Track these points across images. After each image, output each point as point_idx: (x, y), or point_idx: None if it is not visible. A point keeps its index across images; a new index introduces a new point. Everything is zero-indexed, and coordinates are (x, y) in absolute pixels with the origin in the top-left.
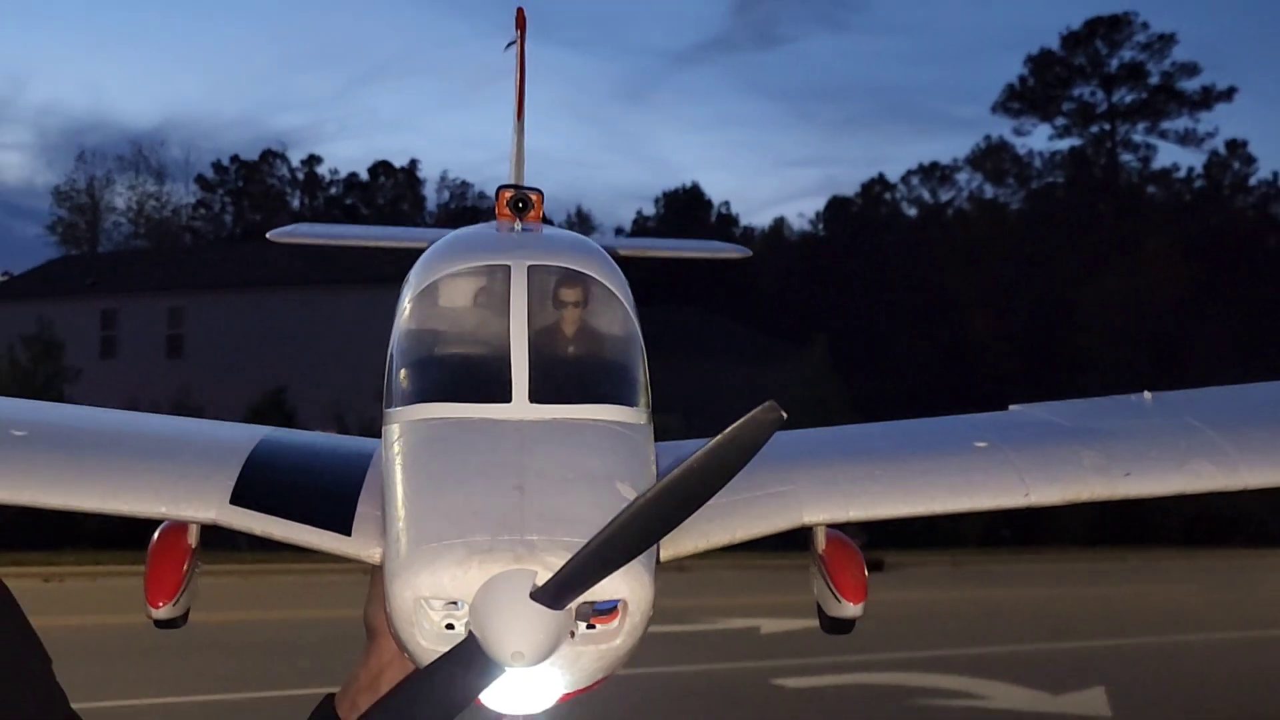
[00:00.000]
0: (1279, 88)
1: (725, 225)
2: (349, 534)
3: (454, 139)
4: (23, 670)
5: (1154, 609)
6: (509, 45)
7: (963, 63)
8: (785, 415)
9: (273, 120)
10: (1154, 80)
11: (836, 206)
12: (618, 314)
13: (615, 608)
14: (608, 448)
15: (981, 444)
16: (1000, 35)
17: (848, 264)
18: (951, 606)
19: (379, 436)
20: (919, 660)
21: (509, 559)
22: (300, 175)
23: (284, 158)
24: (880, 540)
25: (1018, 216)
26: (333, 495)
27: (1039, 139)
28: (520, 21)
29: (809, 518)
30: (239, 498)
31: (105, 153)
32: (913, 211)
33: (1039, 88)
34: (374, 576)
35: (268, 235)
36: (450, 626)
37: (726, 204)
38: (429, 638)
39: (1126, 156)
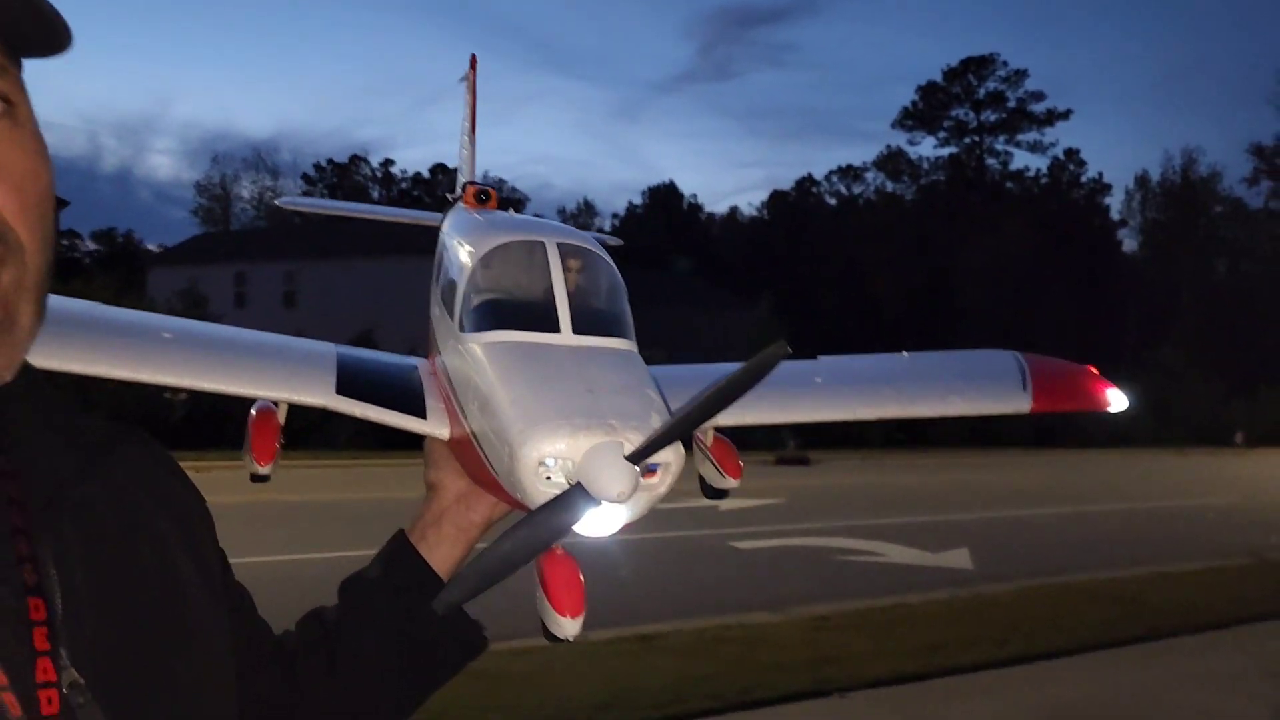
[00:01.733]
0: (1103, 110)
1: (694, 212)
2: (425, 418)
3: (493, 147)
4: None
5: (1006, 491)
6: (461, 79)
7: (870, 91)
8: (790, 350)
9: (358, 132)
10: (1011, 104)
11: (777, 198)
12: (611, 276)
13: (658, 469)
14: (629, 366)
15: (819, 378)
16: (897, 70)
17: (785, 241)
18: (860, 490)
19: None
20: (836, 528)
21: (602, 434)
22: (379, 174)
23: (366, 160)
24: (810, 443)
25: (910, 206)
26: (406, 391)
27: (926, 148)
28: (473, 64)
29: (718, 421)
30: (342, 389)
31: (233, 156)
32: (833, 201)
33: (926, 109)
34: (430, 450)
35: (277, 202)
36: (551, 478)
37: (695, 195)
38: (540, 485)
39: (990, 161)
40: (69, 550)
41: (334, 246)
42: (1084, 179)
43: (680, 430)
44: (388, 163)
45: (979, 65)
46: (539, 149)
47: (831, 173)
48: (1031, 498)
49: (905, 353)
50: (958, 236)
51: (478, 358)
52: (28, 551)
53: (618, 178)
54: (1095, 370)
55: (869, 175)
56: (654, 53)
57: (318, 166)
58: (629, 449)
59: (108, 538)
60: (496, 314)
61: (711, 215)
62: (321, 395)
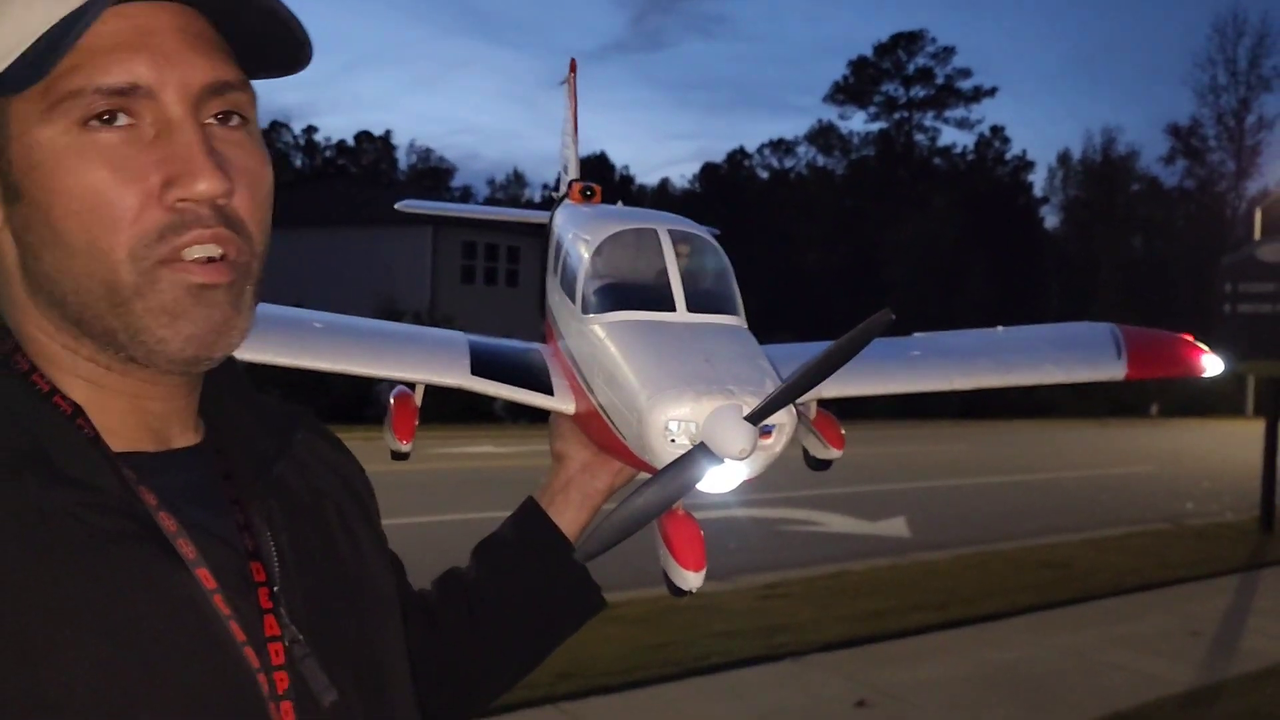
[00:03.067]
0: (1028, 88)
1: (625, 184)
2: (551, 394)
3: (419, 114)
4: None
5: (938, 462)
6: (561, 82)
7: (802, 64)
8: (894, 317)
9: (278, 96)
10: (940, 81)
11: (709, 171)
12: (718, 259)
13: (773, 430)
14: (741, 339)
15: (916, 351)
16: (828, 45)
17: (717, 214)
18: (798, 461)
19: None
20: (777, 499)
21: (722, 398)
22: (301, 141)
23: (288, 127)
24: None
25: (841, 180)
26: (532, 371)
27: (857, 123)
28: (573, 67)
29: (820, 393)
30: (476, 371)
31: None
32: (765, 175)
33: (857, 84)
34: (557, 423)
35: (396, 206)
36: (675, 440)
37: (626, 167)
38: (667, 447)
39: (919, 137)
40: (274, 520)
41: None
42: (1008, 156)
43: (792, 393)
44: (310, 130)
45: (908, 41)
46: (467, 118)
47: (763, 146)
48: (963, 468)
49: (1000, 327)
50: (887, 212)
51: (600, 336)
52: (244, 520)
53: (547, 148)
54: (1191, 338)
55: (800, 149)
56: (585, 21)
57: None
58: (747, 411)
59: (302, 510)
60: (616, 296)
61: (644, 187)
62: (459, 376)
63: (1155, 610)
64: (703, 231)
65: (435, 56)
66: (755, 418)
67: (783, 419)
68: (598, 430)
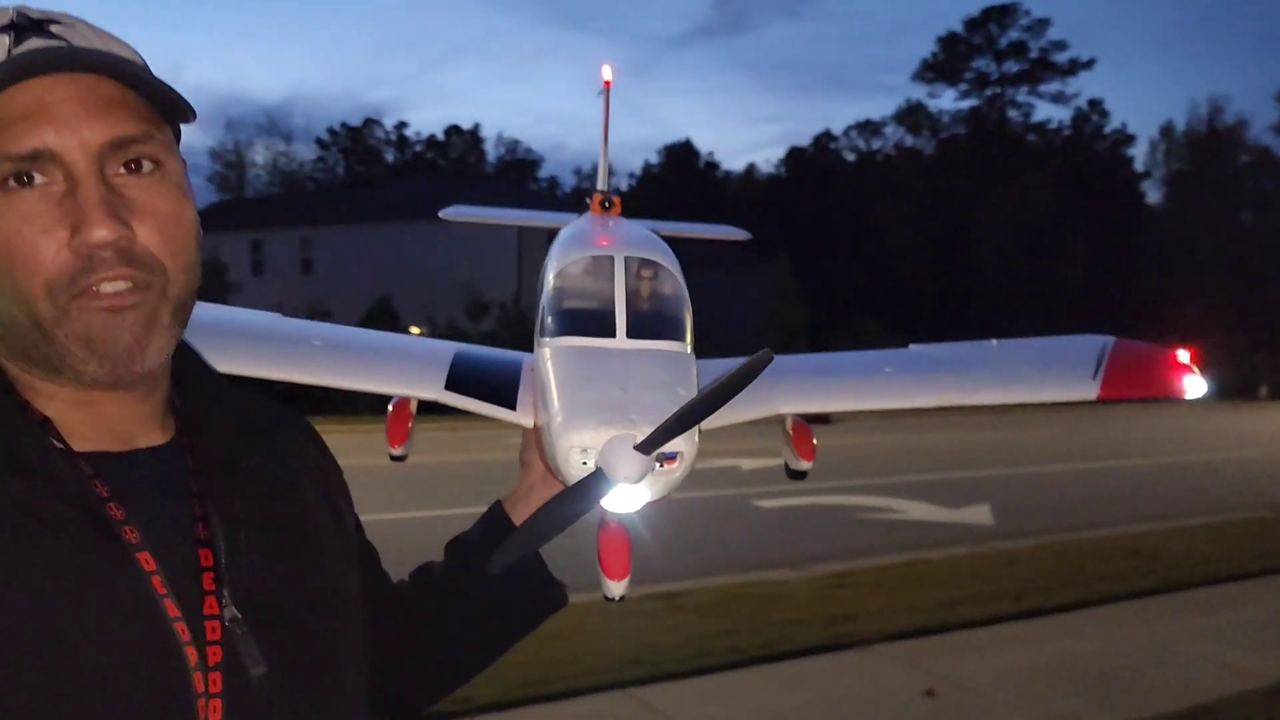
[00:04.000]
0: (1128, 58)
1: (710, 170)
2: (514, 409)
3: (507, 107)
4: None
5: (1028, 448)
6: (599, 93)
7: (890, 43)
8: (774, 357)
9: (370, 93)
10: (1034, 55)
11: (794, 154)
12: (674, 285)
13: (676, 456)
14: (669, 366)
15: (889, 368)
16: (917, 21)
17: (803, 198)
18: (881, 448)
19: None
20: (857, 486)
21: (621, 427)
22: (392, 136)
23: (380, 123)
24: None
25: (930, 160)
26: (503, 385)
27: (947, 101)
28: (607, 82)
29: (784, 409)
30: (450, 385)
31: (247, 122)
32: (851, 157)
33: (947, 61)
34: (525, 433)
35: (440, 214)
36: (585, 464)
37: (711, 153)
38: (576, 470)
39: (1012, 113)
40: (235, 511)
41: (349, 212)
42: (1107, 130)
43: (679, 426)
44: (401, 125)
45: (1001, 14)
46: (553, 107)
47: (850, 128)
48: (1053, 454)
49: (995, 341)
50: (977, 191)
51: (547, 358)
52: (201, 512)
53: (633, 136)
54: (1187, 354)
55: (888, 130)
56: (669, 5)
57: (331, 131)
58: (638, 440)
59: (266, 502)
60: (565, 321)
61: (729, 173)
62: (434, 391)
63: (1246, 601)
64: (664, 258)
65: (521, 47)
66: (645, 447)
67: (682, 447)
68: (540, 445)
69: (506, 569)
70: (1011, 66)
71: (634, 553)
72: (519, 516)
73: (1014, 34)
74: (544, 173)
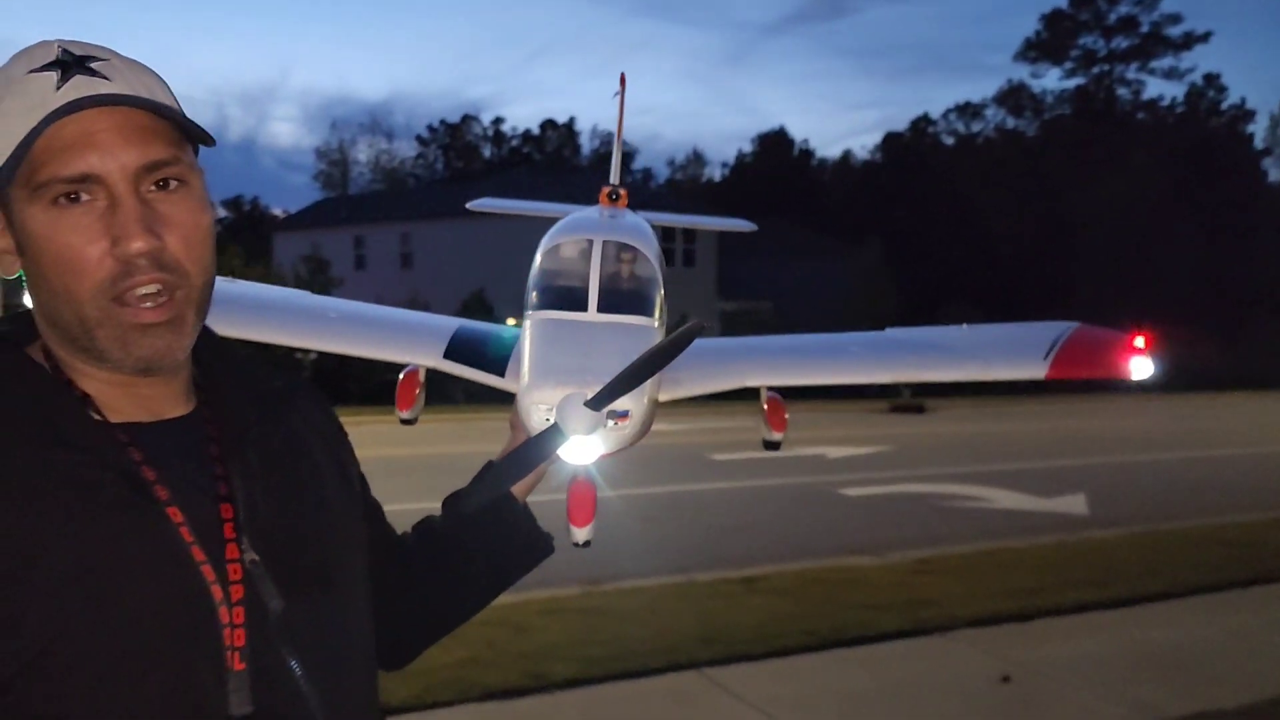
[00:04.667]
0: (1247, 29)
1: (805, 158)
2: (503, 375)
3: (601, 100)
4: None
5: (1126, 436)
6: (615, 94)
7: (989, 21)
8: (706, 326)
9: (468, 90)
10: (1145, 29)
11: (891, 140)
12: (648, 268)
13: (626, 414)
14: (633, 337)
15: (854, 348)
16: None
17: (899, 184)
18: (973, 437)
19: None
20: (946, 475)
21: (576, 386)
22: (490, 132)
23: (477, 119)
24: (921, 390)
25: (1033, 141)
26: (495, 356)
27: (1051, 80)
28: (622, 81)
29: (751, 383)
30: (448, 355)
31: (350, 121)
32: (950, 141)
33: (1051, 39)
34: (516, 399)
35: (467, 205)
36: (547, 419)
37: (806, 141)
38: (538, 423)
39: (1121, 91)
40: (251, 470)
41: (448, 208)
42: (1224, 106)
43: (622, 386)
44: (498, 121)
45: None
46: (647, 99)
47: (949, 111)
48: (1153, 443)
49: (965, 325)
50: (1083, 173)
51: (528, 329)
52: (221, 472)
53: (727, 125)
54: (1142, 338)
55: (989, 112)
56: None
57: (430, 128)
58: (588, 397)
59: (278, 461)
60: (546, 296)
61: (823, 160)
62: (433, 359)
63: None
64: (641, 241)
65: (614, 40)
66: (594, 404)
67: (629, 406)
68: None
69: (480, 509)
70: (1121, 42)
71: (710, 537)
72: None
73: (1123, 8)
74: (638, 164)
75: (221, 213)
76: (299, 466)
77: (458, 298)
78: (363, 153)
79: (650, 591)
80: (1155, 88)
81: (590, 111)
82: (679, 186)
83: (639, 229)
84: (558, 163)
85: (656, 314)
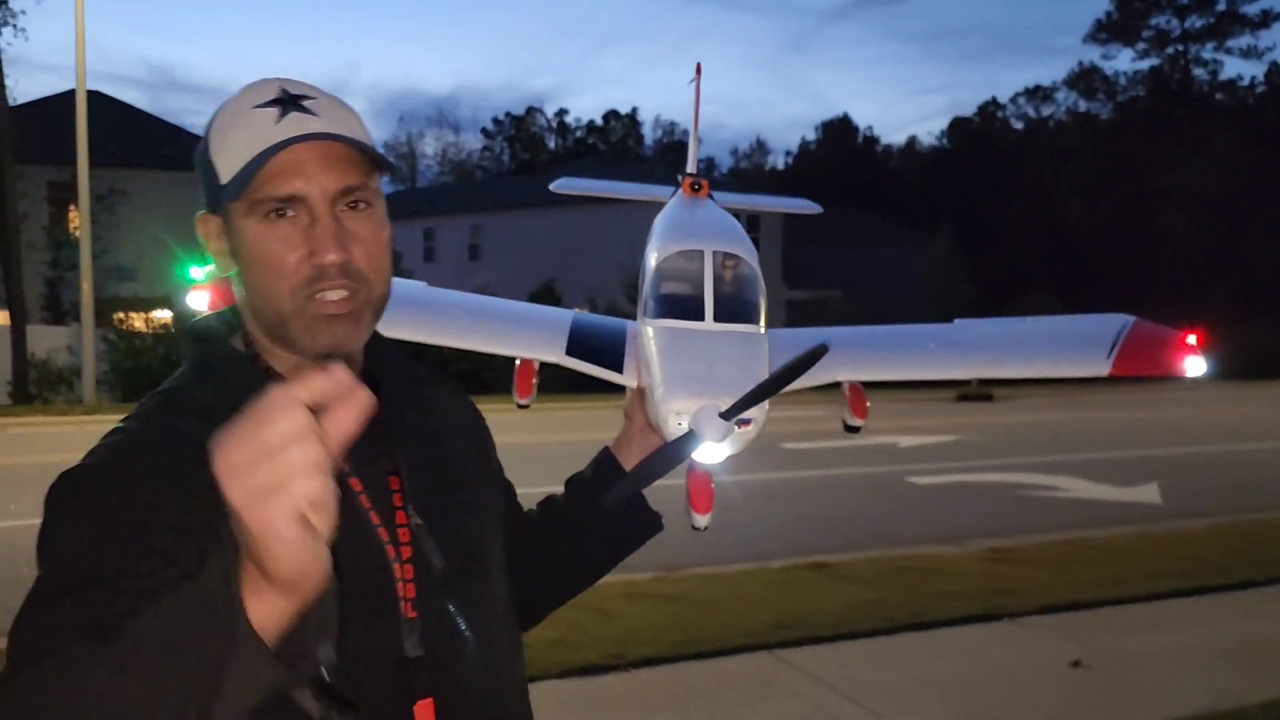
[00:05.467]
0: None
1: (869, 145)
2: (621, 371)
3: (664, 89)
4: None
5: (1206, 426)
6: (690, 82)
7: (1056, 3)
8: (829, 348)
9: (532, 82)
10: (1221, 7)
11: (958, 125)
12: (752, 273)
13: (750, 421)
14: (748, 346)
15: (931, 344)
16: None
17: (967, 170)
18: (1045, 427)
19: (627, 317)
20: (1018, 464)
21: (708, 398)
22: (554, 124)
23: (541, 111)
24: (990, 380)
25: (1106, 125)
26: (612, 350)
27: (1123, 61)
28: (698, 70)
29: (839, 378)
30: (570, 351)
31: (418, 115)
32: (1019, 125)
33: (1122, 19)
34: (629, 390)
35: (550, 186)
36: (680, 424)
37: (870, 128)
38: (673, 429)
39: (1197, 71)
40: (408, 448)
41: (514, 199)
42: None
43: (752, 400)
44: (562, 112)
45: None
46: (709, 88)
47: (1018, 95)
48: (1233, 433)
49: (1029, 318)
50: (1159, 157)
51: (650, 336)
52: (388, 449)
53: (790, 113)
54: (1194, 336)
55: (1059, 95)
56: None
57: (496, 121)
58: (723, 409)
59: (429, 441)
60: (664, 305)
61: (889, 147)
62: (556, 355)
63: None
64: (745, 251)
65: (676, 29)
66: (728, 415)
67: (755, 415)
68: (643, 403)
69: (616, 502)
70: (1195, 21)
71: (785, 524)
72: (623, 458)
73: None
74: (701, 154)
75: None
76: (446, 445)
77: (526, 289)
78: (430, 146)
79: (728, 578)
80: (1233, 67)
81: (653, 101)
82: (743, 175)
83: (738, 234)
84: (622, 153)
85: (762, 319)
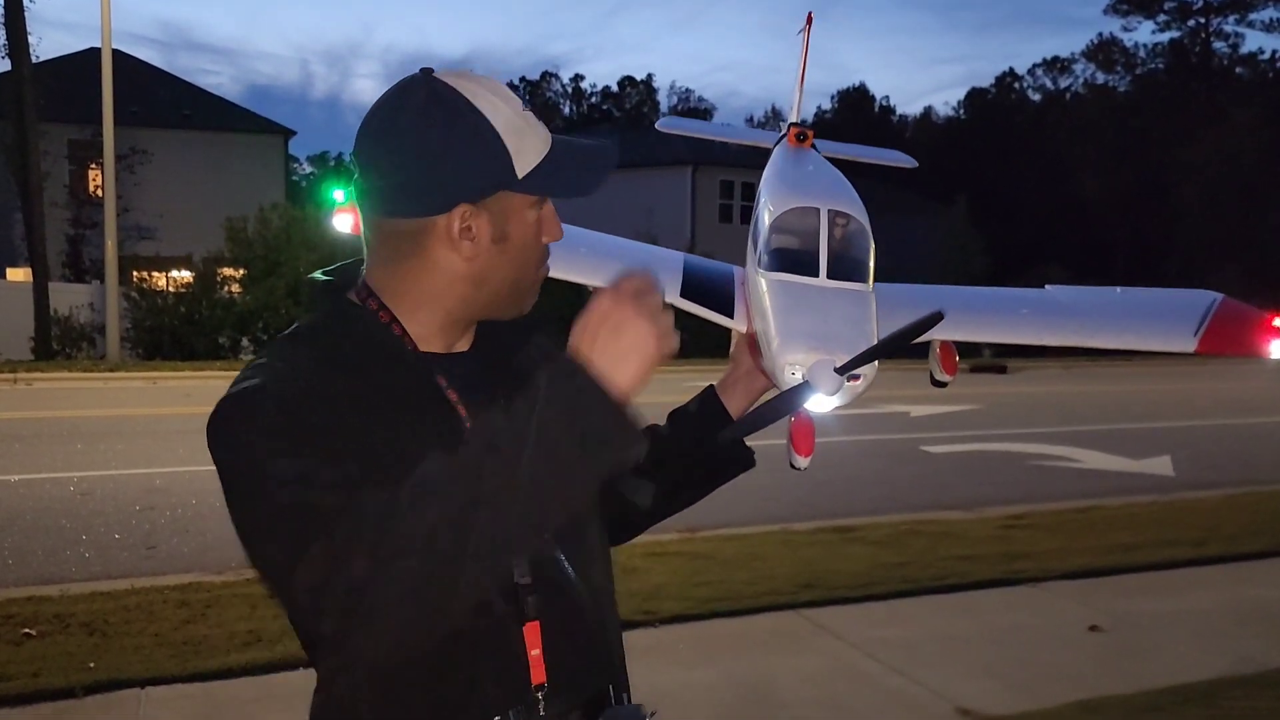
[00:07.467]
0: None
1: (885, 114)
2: (732, 316)
3: (680, 56)
4: None
5: (1218, 399)
6: (800, 31)
7: None
8: (944, 315)
9: (547, 47)
10: None
11: (975, 95)
12: (862, 232)
13: (860, 376)
14: (859, 302)
15: (1025, 310)
16: None
17: (983, 141)
18: (1058, 398)
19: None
20: (1032, 434)
21: (824, 353)
22: (569, 89)
23: (557, 76)
24: (1004, 351)
25: (1124, 98)
26: (723, 295)
27: (1143, 33)
28: (809, 20)
29: (933, 337)
30: (684, 293)
31: None
32: (1037, 98)
33: None
34: (738, 337)
35: (656, 125)
36: (794, 375)
37: (887, 98)
38: (788, 379)
39: (1218, 44)
40: (508, 391)
41: None
42: None
43: (868, 358)
44: (577, 78)
45: None
46: (725, 55)
47: (1036, 66)
48: (1247, 406)
49: (1119, 289)
50: (1178, 131)
51: (764, 288)
52: (496, 394)
53: (807, 81)
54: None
55: (1078, 67)
56: None
57: (510, 85)
58: (838, 364)
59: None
60: (780, 259)
61: (905, 117)
62: (671, 295)
63: None
64: (857, 210)
65: None
66: (842, 370)
67: (866, 371)
68: (753, 349)
69: (729, 442)
70: None
71: (803, 489)
72: (728, 399)
73: None
74: (716, 118)
75: (307, 168)
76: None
77: None
78: None
79: (750, 539)
80: (1255, 40)
81: (668, 68)
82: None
83: (851, 193)
84: (637, 119)
85: (870, 276)
